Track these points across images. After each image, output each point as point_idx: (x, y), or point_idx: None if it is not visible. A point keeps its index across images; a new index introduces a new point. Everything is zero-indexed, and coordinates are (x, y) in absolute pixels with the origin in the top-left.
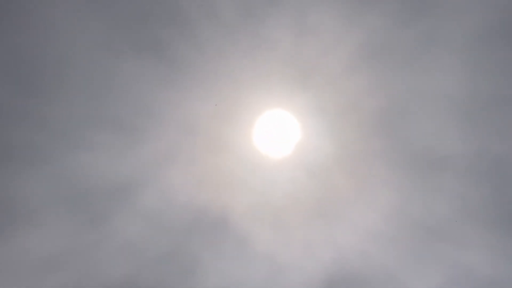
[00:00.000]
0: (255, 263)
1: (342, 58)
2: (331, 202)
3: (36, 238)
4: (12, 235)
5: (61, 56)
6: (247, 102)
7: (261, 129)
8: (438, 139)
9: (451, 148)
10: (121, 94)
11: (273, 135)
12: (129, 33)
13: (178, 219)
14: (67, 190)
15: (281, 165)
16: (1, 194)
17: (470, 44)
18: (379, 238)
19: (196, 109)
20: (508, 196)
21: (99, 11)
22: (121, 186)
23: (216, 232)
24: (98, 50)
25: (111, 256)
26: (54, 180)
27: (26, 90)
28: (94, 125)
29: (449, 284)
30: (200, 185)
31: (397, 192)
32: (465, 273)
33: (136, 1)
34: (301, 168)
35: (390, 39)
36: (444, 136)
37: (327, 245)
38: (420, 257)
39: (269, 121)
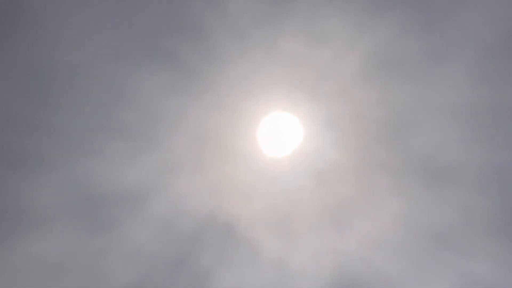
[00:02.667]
0: (262, 270)
1: (350, 67)
2: (336, 209)
3: (43, 245)
4: (18, 241)
5: (70, 64)
6: (254, 109)
7: (269, 135)
8: (445, 149)
9: (458, 158)
10: (129, 102)
11: (280, 142)
12: (137, 40)
13: (185, 226)
14: (75, 197)
15: (288, 172)
16: (8, 200)
17: (478, 56)
18: (384, 246)
19: (204, 117)
20: None
21: (108, 19)
22: (129, 194)
23: (223, 239)
24: (107, 57)
25: (118, 263)
26: (62, 187)
27: (34, 97)
28: (103, 132)
29: None
30: (208, 192)
31: (402, 201)
32: (470, 282)
33: (145, 8)
34: (307, 175)
35: (398, 49)
36: (450, 146)
37: (333, 253)
38: (425, 266)
39: (277, 128)
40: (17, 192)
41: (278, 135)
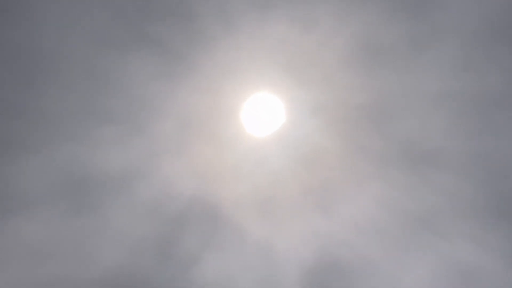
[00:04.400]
0: (247, 251)
1: (335, 52)
2: (319, 192)
3: (29, 228)
4: (4, 224)
5: (56, 49)
6: (239, 92)
7: (252, 116)
8: (427, 134)
9: (439, 143)
10: (114, 87)
11: (263, 123)
12: (123, 25)
13: (171, 209)
14: (60, 181)
15: (271, 154)
16: None
17: (462, 43)
18: (366, 229)
19: (189, 100)
20: (494, 190)
21: (94, 4)
22: (115, 177)
23: (209, 221)
24: (93, 42)
25: (104, 246)
26: (48, 171)
27: (19, 82)
28: (88, 117)
29: (435, 275)
30: (193, 175)
31: (385, 185)
32: (451, 264)
33: None
34: (290, 158)
35: (383, 36)
36: (432, 132)
37: (316, 235)
38: (407, 248)
39: (261, 109)
40: (2, 176)
41: (262, 116)
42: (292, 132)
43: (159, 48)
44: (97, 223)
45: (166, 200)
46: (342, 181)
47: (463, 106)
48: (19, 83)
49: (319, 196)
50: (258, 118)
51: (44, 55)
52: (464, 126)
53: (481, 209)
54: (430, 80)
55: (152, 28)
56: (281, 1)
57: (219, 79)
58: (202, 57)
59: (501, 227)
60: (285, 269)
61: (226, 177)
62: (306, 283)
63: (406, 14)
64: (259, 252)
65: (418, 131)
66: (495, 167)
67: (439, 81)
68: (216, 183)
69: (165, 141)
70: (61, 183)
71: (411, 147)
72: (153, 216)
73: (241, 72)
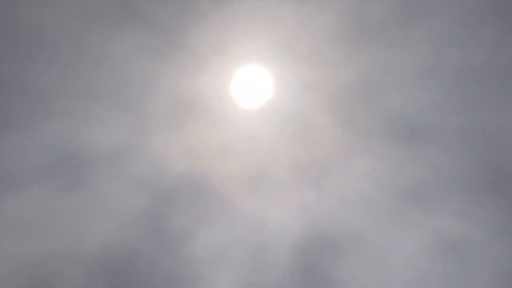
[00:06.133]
0: (237, 227)
1: (324, 26)
2: (309, 167)
3: (17, 205)
4: None
5: (42, 24)
6: (230, 68)
7: (243, 93)
8: (416, 109)
9: (428, 117)
10: (103, 63)
11: (253, 99)
12: (111, 0)
13: (161, 185)
14: (49, 158)
15: (263, 130)
16: None
17: (451, 18)
18: (354, 203)
19: (179, 76)
20: (482, 164)
21: None
22: (105, 154)
23: (199, 196)
24: (81, 18)
25: (94, 222)
26: (35, 148)
27: (4, 58)
28: (77, 94)
29: (423, 248)
30: (183, 150)
31: (374, 160)
32: (438, 237)
33: None
34: (281, 133)
35: (372, 11)
36: (422, 106)
37: (304, 209)
38: (395, 222)
39: (249, 81)
40: None
41: (252, 92)
42: (282, 107)
43: (149, 23)
44: (88, 200)
45: (157, 176)
46: (332, 156)
47: (451, 81)
48: (4, 59)
49: (309, 171)
50: (248, 94)
51: (31, 31)
52: (452, 101)
53: (469, 183)
54: (419, 55)
55: (141, 4)
56: None
57: (210, 55)
58: (192, 33)
59: (489, 201)
60: (275, 243)
61: (217, 153)
62: (296, 255)
63: None
64: (250, 226)
65: (407, 106)
66: (483, 141)
67: (428, 56)
68: (207, 159)
69: (155, 118)
70: (50, 160)
71: (400, 122)
72: (144, 192)
73: (231, 47)
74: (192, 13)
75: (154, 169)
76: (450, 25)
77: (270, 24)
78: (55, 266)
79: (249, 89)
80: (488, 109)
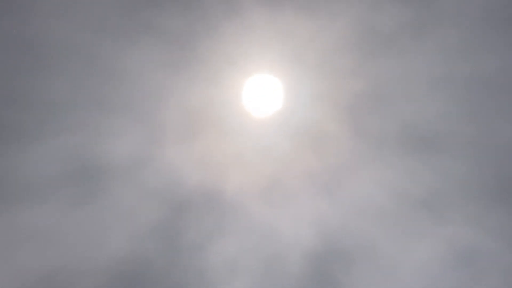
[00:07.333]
0: (251, 235)
1: (335, 36)
2: (321, 176)
3: (33, 217)
4: (9, 213)
5: (57, 37)
6: (242, 79)
7: (255, 103)
8: (427, 118)
9: (440, 126)
10: (118, 76)
11: (265, 109)
12: (125, 14)
13: (176, 196)
14: (66, 170)
15: (275, 140)
16: None
17: (462, 28)
18: (367, 211)
19: (192, 88)
20: (494, 173)
21: None
22: (120, 166)
23: (213, 207)
24: (96, 30)
25: (110, 233)
26: (53, 160)
27: (24, 72)
28: (92, 107)
29: (435, 257)
30: (197, 162)
31: (385, 169)
32: (451, 246)
33: None
34: (293, 143)
35: (384, 20)
36: (433, 115)
37: (317, 218)
38: (408, 231)
39: (263, 96)
40: (8, 165)
41: (264, 102)
42: (294, 117)
43: (161, 36)
44: (101, 212)
45: (171, 187)
46: (344, 166)
47: (463, 90)
48: (24, 73)
49: (321, 180)
50: (261, 104)
51: (44, 43)
52: (464, 110)
53: (482, 192)
54: (431, 65)
55: (153, 16)
56: None
57: (222, 66)
58: (205, 44)
59: (502, 210)
60: (288, 252)
61: (229, 163)
62: (309, 264)
63: (406, 0)
64: (263, 236)
65: (419, 115)
66: (495, 150)
67: (439, 66)
68: (219, 170)
69: (168, 130)
70: (64, 172)
71: (412, 131)
72: (158, 204)
73: (243, 58)
74: (204, 25)
75: (168, 181)
76: (461, 34)
77: (282, 35)
78: (68, 278)
79: (262, 100)
80: (500, 118)
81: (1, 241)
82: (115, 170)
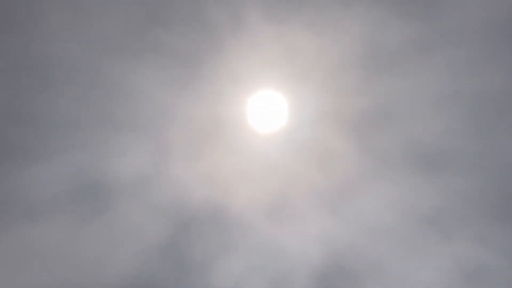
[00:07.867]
0: (257, 253)
1: (340, 55)
2: (327, 193)
3: (39, 235)
4: (15, 231)
5: (62, 56)
6: (247, 97)
7: (260, 121)
8: (434, 136)
9: (446, 144)
10: (123, 94)
11: (271, 126)
12: (132, 33)
13: (182, 213)
14: (72, 188)
15: (281, 157)
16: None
17: (468, 45)
18: (374, 229)
19: (197, 106)
20: (502, 191)
21: (105, 11)
22: (126, 184)
23: (219, 224)
24: (102, 49)
25: (116, 251)
26: (59, 178)
27: (30, 90)
28: (98, 125)
29: (443, 276)
30: (203, 179)
31: (392, 186)
32: (460, 265)
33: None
34: (299, 160)
35: (389, 38)
36: (440, 133)
37: (324, 236)
38: (416, 249)
39: (268, 113)
40: (14, 184)
41: (269, 119)
42: (300, 134)
43: (167, 54)
44: (107, 230)
45: (176, 205)
46: (349, 183)
47: (469, 108)
48: (30, 91)
49: (327, 198)
50: (266, 122)
51: (54, 63)
52: (470, 128)
53: (488, 209)
54: (436, 82)
55: (159, 34)
56: (292, 8)
57: (228, 83)
58: (210, 62)
59: (509, 227)
60: (294, 270)
61: (235, 180)
62: (315, 283)
63: (412, 17)
64: (269, 254)
65: (424, 133)
66: (502, 167)
67: (445, 83)
68: (225, 187)
69: (173, 147)
70: (70, 190)
71: (418, 149)
72: (163, 221)
73: (249, 76)
74: (210, 43)
75: (173, 198)
76: (467, 52)
77: (288, 52)
78: None
79: (267, 117)
80: (506, 135)
81: (8, 259)
82: (121, 187)
